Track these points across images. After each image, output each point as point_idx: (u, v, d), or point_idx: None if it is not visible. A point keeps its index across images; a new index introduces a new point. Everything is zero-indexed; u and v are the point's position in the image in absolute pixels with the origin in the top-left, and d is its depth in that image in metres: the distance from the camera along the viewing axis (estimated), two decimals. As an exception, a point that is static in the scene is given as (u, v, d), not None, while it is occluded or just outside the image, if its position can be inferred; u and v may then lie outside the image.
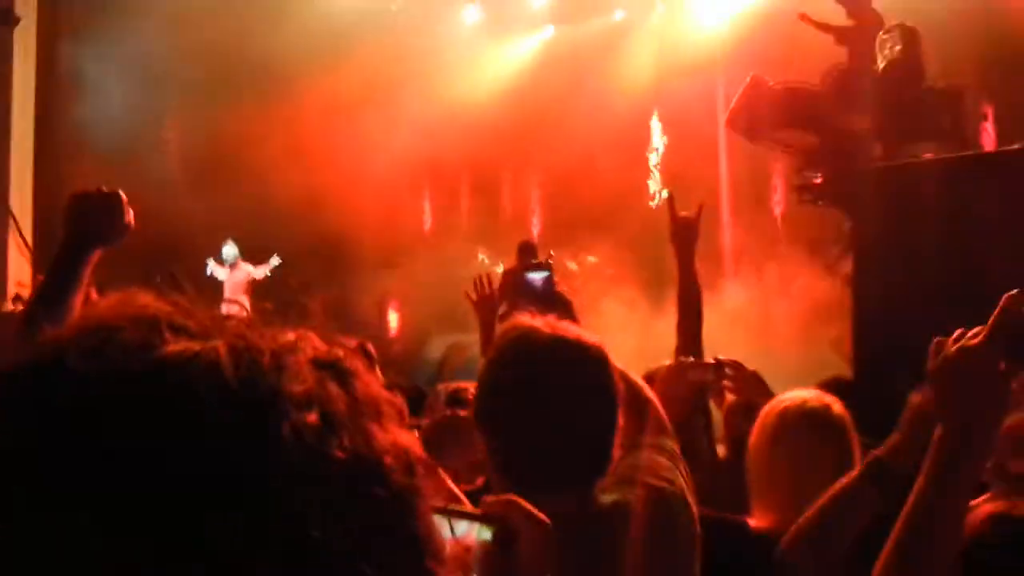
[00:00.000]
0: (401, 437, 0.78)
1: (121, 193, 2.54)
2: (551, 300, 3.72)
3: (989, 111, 13.22)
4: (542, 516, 1.30)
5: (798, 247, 13.85)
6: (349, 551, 0.70)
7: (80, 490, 0.66)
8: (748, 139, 11.79)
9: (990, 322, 2.02)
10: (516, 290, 4.06)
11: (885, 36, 10.51)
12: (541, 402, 2.14)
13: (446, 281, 15.75)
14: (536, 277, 4.07)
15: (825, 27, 11.70)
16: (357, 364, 0.80)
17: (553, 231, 17.74)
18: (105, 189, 2.53)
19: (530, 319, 2.25)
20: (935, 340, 2.09)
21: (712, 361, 4.12)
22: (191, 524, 0.66)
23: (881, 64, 10.30)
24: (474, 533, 1.16)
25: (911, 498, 1.97)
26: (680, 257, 4.31)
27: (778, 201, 15.83)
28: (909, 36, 10.39)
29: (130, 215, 2.53)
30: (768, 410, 3.21)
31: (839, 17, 11.53)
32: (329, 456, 0.71)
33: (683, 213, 4.41)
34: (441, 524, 1.08)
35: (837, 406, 3.18)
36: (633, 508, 2.25)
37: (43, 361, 0.74)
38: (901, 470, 2.44)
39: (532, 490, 2.15)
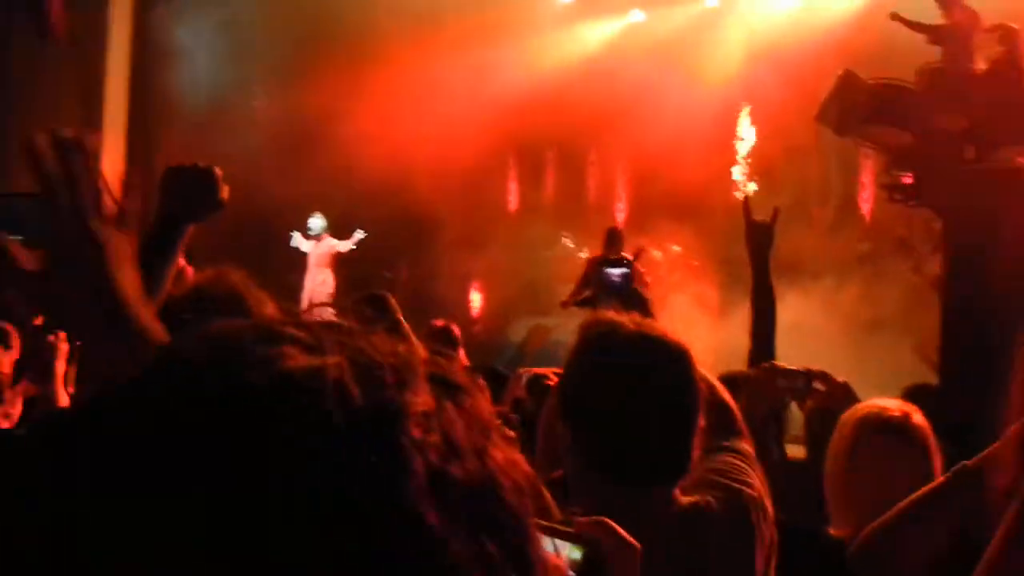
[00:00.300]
0: (512, 456, 0.78)
1: (217, 169, 2.56)
2: (628, 296, 3.75)
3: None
4: (632, 540, 1.30)
5: (886, 246, 13.71)
6: (473, 574, 0.70)
7: (210, 510, 0.66)
8: (837, 134, 11.66)
9: None
10: (595, 282, 4.11)
11: (986, 36, 10.34)
12: (625, 397, 2.15)
13: (529, 263, 15.81)
14: (615, 272, 4.12)
15: (918, 26, 11.53)
16: (467, 380, 0.80)
17: (638, 217, 17.64)
18: (201, 165, 2.55)
19: (615, 315, 2.26)
20: None
21: (803, 370, 4.07)
22: (321, 541, 0.66)
23: (982, 64, 10.13)
24: (563, 552, 1.15)
25: (1008, 519, 1.92)
26: (754, 261, 4.29)
27: (866, 199, 15.63)
28: (1011, 36, 10.21)
29: (225, 191, 2.55)
30: (847, 418, 3.17)
31: (933, 16, 11.37)
32: (451, 476, 0.71)
33: (758, 218, 4.36)
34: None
35: (918, 415, 3.13)
36: (713, 510, 2.25)
37: (168, 377, 0.74)
38: (992, 484, 2.37)
39: (613, 486, 2.16)
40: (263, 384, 0.70)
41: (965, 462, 2.51)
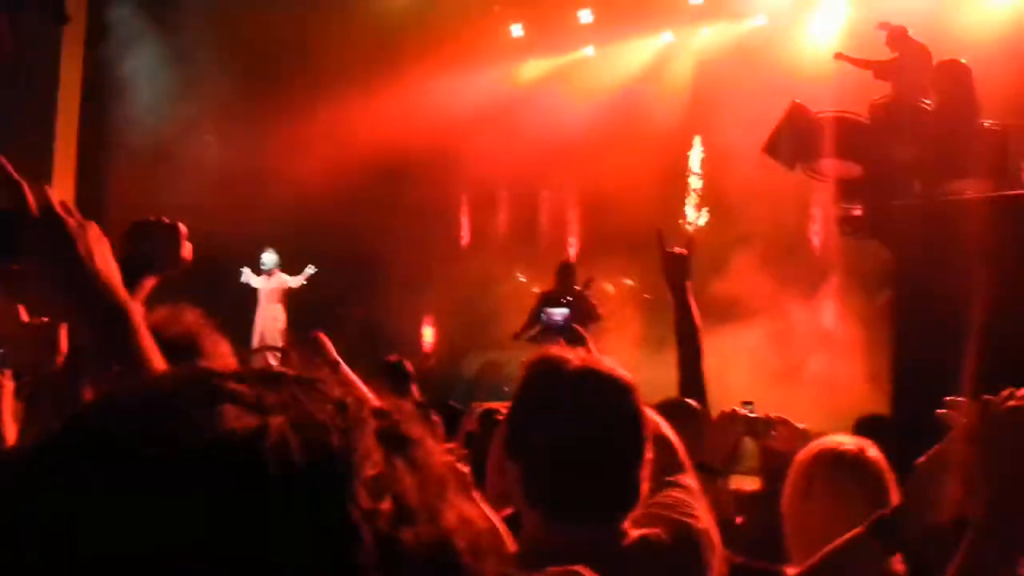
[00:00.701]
0: (467, 510, 0.73)
1: (182, 226, 2.58)
2: (569, 336, 3.73)
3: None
4: None
5: (838, 277, 13.79)
6: None
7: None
8: (786, 166, 11.74)
9: None
10: (538, 322, 4.16)
11: (939, 72, 10.44)
12: (571, 433, 2.13)
13: (482, 298, 15.80)
14: (556, 313, 4.15)
15: (863, 63, 11.68)
16: (417, 429, 0.75)
17: (590, 251, 17.70)
18: (166, 221, 2.57)
19: (560, 351, 2.25)
20: (982, 399, 2.01)
21: (763, 417, 4.07)
22: None
23: (934, 99, 10.23)
24: None
25: (956, 564, 1.91)
26: (673, 292, 4.27)
27: (817, 231, 15.75)
28: (962, 72, 10.32)
29: (188, 249, 2.57)
30: (802, 455, 3.17)
31: (881, 51, 11.53)
32: (402, 544, 0.67)
33: (673, 248, 4.36)
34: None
35: (873, 450, 3.13)
36: (663, 543, 2.23)
37: (93, 434, 0.68)
38: (910, 527, 2.38)
39: (563, 522, 2.13)
40: (198, 449, 0.65)
41: (882, 511, 2.52)
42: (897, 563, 2.70)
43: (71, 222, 1.64)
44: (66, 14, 15.60)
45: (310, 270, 16.28)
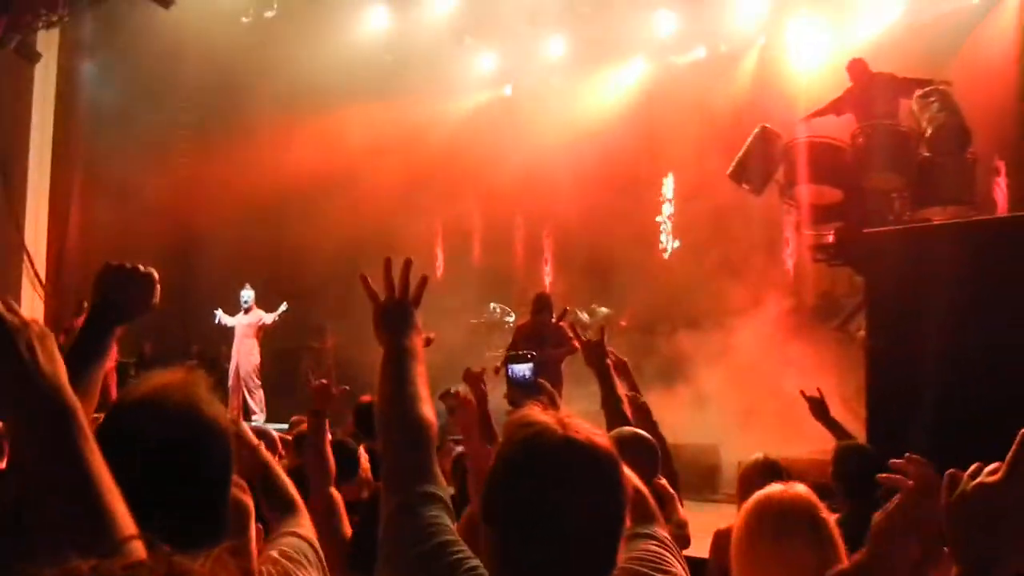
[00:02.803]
0: None
1: (154, 273, 2.57)
2: (535, 389, 3.80)
3: (1002, 166, 13.25)
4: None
5: (810, 300, 13.88)
6: None
7: None
8: (755, 193, 11.64)
9: (1010, 457, 1.89)
10: (507, 376, 4.24)
11: (924, 100, 10.44)
12: (550, 501, 2.12)
13: (457, 330, 15.76)
14: (520, 368, 4.21)
15: (821, 111, 11.70)
16: None
17: (565, 281, 17.75)
18: (141, 268, 2.56)
19: (541, 414, 2.23)
20: (948, 473, 2.01)
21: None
22: None
23: (927, 127, 10.22)
24: None
25: None
26: (597, 374, 4.58)
27: (790, 254, 15.85)
28: (949, 99, 10.34)
29: (157, 295, 2.57)
30: (749, 505, 3.14)
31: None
32: None
33: (586, 337, 4.80)
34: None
35: (814, 499, 3.10)
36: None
37: None
38: None
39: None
40: None
41: (839, 568, 2.54)
42: None
43: (12, 320, 1.59)
44: (36, 51, 15.62)
45: (283, 307, 16.21)
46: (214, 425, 2.05)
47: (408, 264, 2.66)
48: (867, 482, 3.20)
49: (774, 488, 3.10)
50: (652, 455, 4.33)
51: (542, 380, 4.26)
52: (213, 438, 2.05)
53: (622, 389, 4.67)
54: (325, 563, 2.80)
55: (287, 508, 3.07)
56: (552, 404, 2.78)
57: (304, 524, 2.95)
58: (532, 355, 4.32)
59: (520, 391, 2.92)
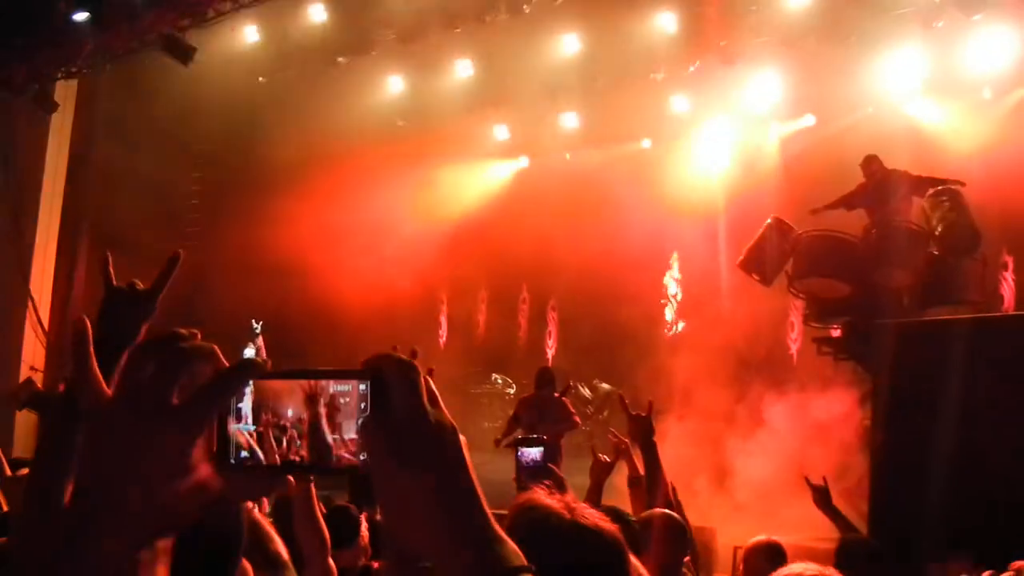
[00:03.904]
0: None
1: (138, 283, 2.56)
2: (545, 473, 3.79)
3: (1010, 261, 13.27)
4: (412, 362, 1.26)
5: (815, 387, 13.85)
6: None
7: None
8: (764, 283, 11.63)
9: None
10: (516, 462, 4.25)
11: (936, 199, 10.44)
12: None
13: (459, 400, 15.71)
14: (530, 452, 4.18)
15: (833, 205, 11.72)
16: None
17: (568, 355, 17.72)
18: (138, 286, 2.55)
19: (548, 497, 2.21)
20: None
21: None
22: None
23: (938, 226, 10.23)
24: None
25: None
26: (642, 449, 4.79)
27: (795, 339, 15.81)
28: (959, 199, 10.35)
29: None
30: None
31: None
32: None
33: (635, 412, 4.95)
34: None
35: None
36: None
37: None
38: None
39: None
40: None
41: None
42: None
43: None
44: (53, 101, 15.71)
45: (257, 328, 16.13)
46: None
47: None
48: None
49: (793, 567, 3.07)
50: (684, 536, 4.44)
51: (552, 465, 4.24)
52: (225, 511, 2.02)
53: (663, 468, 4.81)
54: None
55: (276, 566, 3.04)
56: (561, 489, 2.75)
57: None
58: (543, 439, 4.29)
59: (529, 475, 2.91)
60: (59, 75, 15.61)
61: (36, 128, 15.86)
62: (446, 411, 1.16)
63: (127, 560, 1.00)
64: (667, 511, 4.49)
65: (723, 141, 17.57)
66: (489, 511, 1.14)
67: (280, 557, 3.10)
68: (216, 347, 1.09)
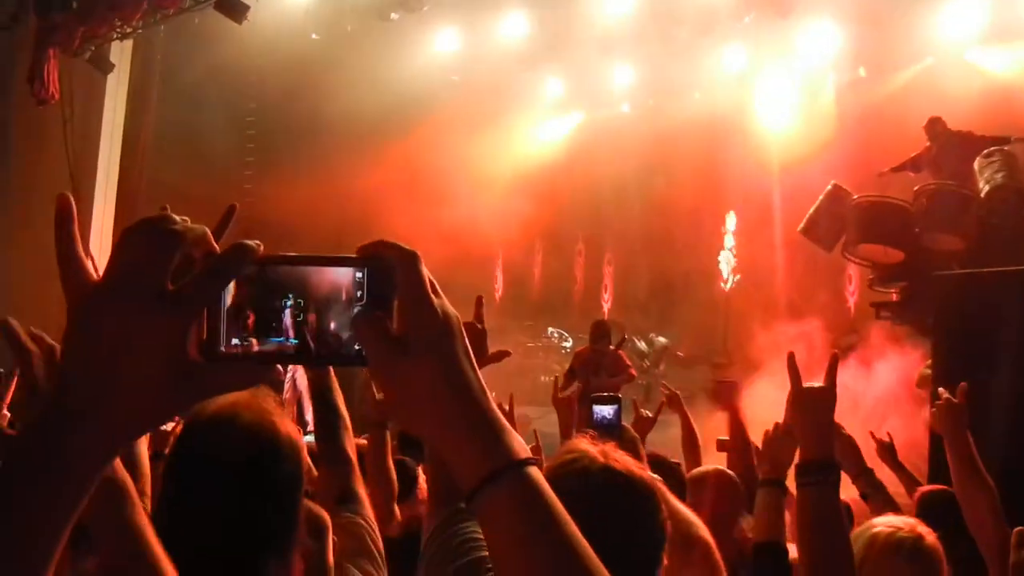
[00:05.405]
0: None
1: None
2: (617, 431, 3.80)
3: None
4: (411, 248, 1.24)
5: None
6: None
7: None
8: (825, 249, 11.65)
9: None
10: (584, 418, 4.25)
11: (986, 160, 10.29)
12: (588, 534, 2.11)
13: (515, 352, 15.75)
14: (603, 409, 4.15)
15: (900, 167, 11.63)
16: None
17: (623, 308, 17.69)
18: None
19: (588, 444, 2.23)
20: (1016, 531, 1.96)
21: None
22: None
23: (984, 188, 10.09)
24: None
25: None
26: (731, 415, 5.19)
27: (852, 292, 15.67)
28: (1011, 161, 10.19)
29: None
30: (857, 535, 3.07)
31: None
32: None
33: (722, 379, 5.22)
34: None
35: (930, 537, 3.03)
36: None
37: None
38: None
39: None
40: None
41: None
42: None
43: None
44: (110, 61, 15.80)
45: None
46: (286, 440, 2.07)
47: (480, 302, 2.67)
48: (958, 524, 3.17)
49: (884, 520, 3.07)
50: (736, 490, 4.57)
51: (625, 424, 4.26)
52: (286, 452, 2.07)
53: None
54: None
55: (339, 461, 3.05)
56: (633, 448, 2.77)
57: (365, 513, 2.93)
58: (618, 397, 4.27)
59: (602, 432, 2.93)
60: (115, 36, 15.67)
61: (93, 89, 15.96)
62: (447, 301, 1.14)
63: (112, 456, 0.99)
64: (720, 468, 4.63)
65: (779, 94, 17.36)
66: (494, 403, 1.13)
67: (348, 456, 3.11)
68: (208, 229, 1.07)
